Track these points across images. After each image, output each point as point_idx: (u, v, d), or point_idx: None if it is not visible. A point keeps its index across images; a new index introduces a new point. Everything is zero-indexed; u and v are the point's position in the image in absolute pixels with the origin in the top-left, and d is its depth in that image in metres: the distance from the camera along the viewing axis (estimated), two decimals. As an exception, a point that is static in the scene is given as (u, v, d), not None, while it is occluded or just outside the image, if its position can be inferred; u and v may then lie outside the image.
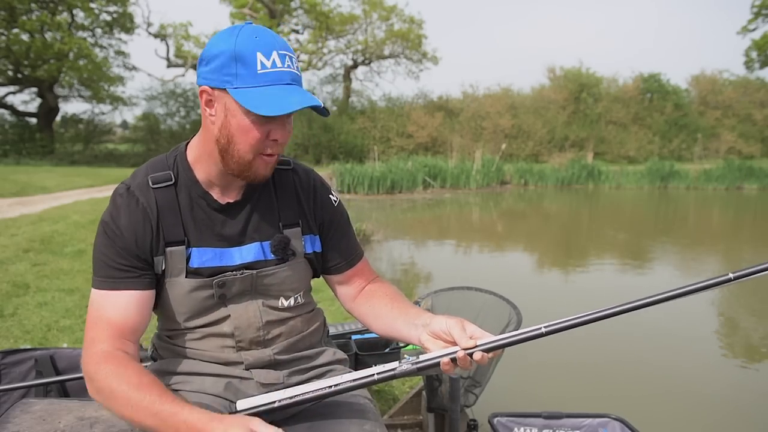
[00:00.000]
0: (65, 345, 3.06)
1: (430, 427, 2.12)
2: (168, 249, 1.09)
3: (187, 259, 1.10)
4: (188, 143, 1.17)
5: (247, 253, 1.15)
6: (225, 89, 1.02)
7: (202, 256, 1.11)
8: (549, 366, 3.70)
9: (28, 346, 1.77)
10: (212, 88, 1.04)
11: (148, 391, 0.97)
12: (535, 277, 7.00)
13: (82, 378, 1.61)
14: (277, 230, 1.18)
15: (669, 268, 7.57)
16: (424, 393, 2.22)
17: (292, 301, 1.20)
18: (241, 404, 1.07)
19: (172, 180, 1.12)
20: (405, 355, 1.01)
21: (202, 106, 1.08)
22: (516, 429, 1.98)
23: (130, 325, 1.07)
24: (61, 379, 1.61)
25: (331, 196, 1.28)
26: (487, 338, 1.00)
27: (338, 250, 1.27)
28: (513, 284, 5.87)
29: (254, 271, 1.14)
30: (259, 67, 1.01)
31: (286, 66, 1.03)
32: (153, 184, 1.10)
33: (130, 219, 1.08)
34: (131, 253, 1.07)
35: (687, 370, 3.82)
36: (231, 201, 1.15)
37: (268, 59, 1.01)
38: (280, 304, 1.18)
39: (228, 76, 1.01)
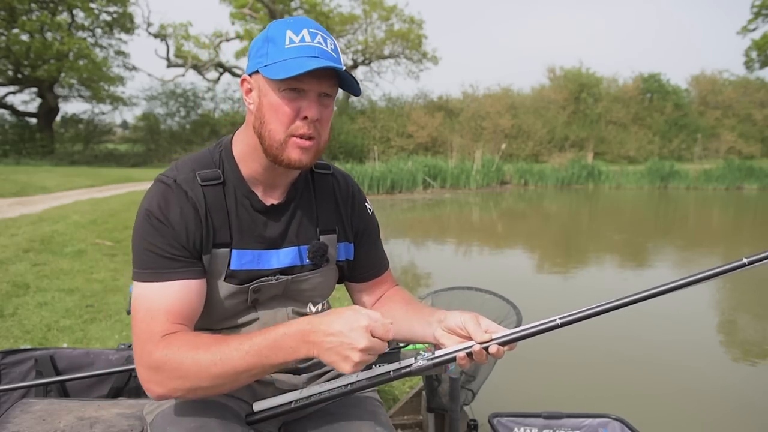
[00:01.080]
0: (65, 345, 3.06)
1: (430, 427, 2.12)
2: (214, 250, 1.07)
3: (228, 262, 1.08)
4: (232, 138, 1.15)
5: (285, 256, 1.13)
6: (258, 71, 1.03)
7: (242, 258, 1.09)
8: (549, 366, 3.70)
9: (28, 346, 1.77)
10: (250, 75, 1.06)
11: (228, 340, 0.94)
12: (535, 277, 7.00)
13: (82, 378, 1.61)
14: (314, 236, 1.16)
15: (669, 269, 7.57)
16: (424, 393, 2.22)
17: (320, 307, 1.20)
18: (258, 406, 1.06)
19: (220, 179, 1.09)
20: (420, 352, 1.01)
21: (244, 97, 1.09)
22: (516, 429, 1.98)
23: (188, 313, 1.02)
24: (61, 379, 1.61)
25: (366, 204, 1.27)
26: (502, 332, 1.00)
27: (368, 260, 1.26)
28: (513, 284, 5.87)
29: (289, 277, 1.13)
30: (287, 42, 1.00)
31: (315, 42, 1.01)
32: (202, 182, 1.07)
33: (182, 212, 1.03)
34: (182, 243, 1.03)
35: (687, 370, 3.82)
36: (274, 203, 1.13)
37: (297, 35, 1.01)
38: (308, 310, 1.18)
39: (260, 58, 1.02)
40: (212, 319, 1.11)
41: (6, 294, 4.01)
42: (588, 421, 1.97)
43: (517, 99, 26.98)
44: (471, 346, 0.98)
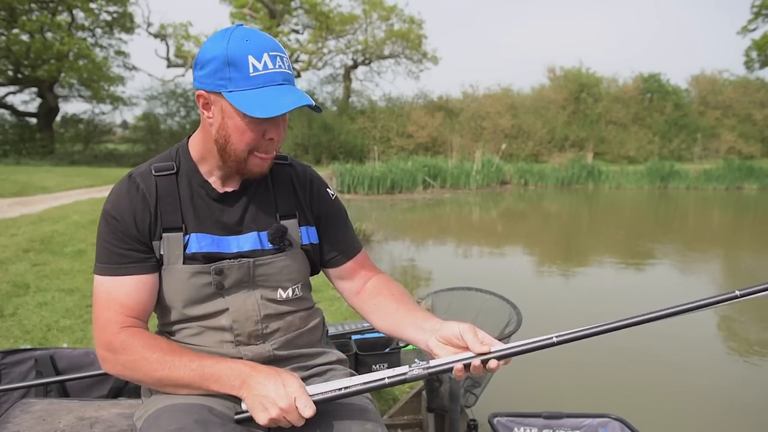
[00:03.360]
0: (65, 345, 3.06)
1: (430, 427, 2.12)
2: (165, 234, 1.12)
3: (185, 246, 1.13)
4: (189, 138, 1.21)
5: (244, 242, 1.17)
6: (220, 93, 1.06)
7: (201, 242, 1.14)
8: (549, 366, 3.70)
9: (28, 346, 1.77)
10: (208, 92, 1.08)
11: (183, 353, 1.06)
12: (535, 277, 7.00)
13: (82, 378, 1.61)
14: (274, 221, 1.20)
15: (668, 269, 7.57)
16: (424, 393, 2.22)
17: (290, 292, 1.21)
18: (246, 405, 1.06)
19: (173, 169, 1.16)
20: (416, 360, 1.02)
21: (200, 109, 1.12)
22: (516, 429, 1.97)
23: (141, 307, 1.12)
24: (61, 379, 1.60)
25: (327, 189, 1.31)
26: (498, 345, 1.01)
27: (335, 243, 1.29)
28: (513, 284, 5.87)
29: (251, 260, 1.16)
30: (251, 70, 1.04)
31: (277, 67, 1.06)
32: (155, 173, 1.15)
33: (129, 203, 1.12)
34: (132, 237, 1.11)
35: (687, 370, 3.82)
36: (229, 190, 1.18)
37: (260, 61, 1.05)
38: (278, 296, 1.19)
39: (222, 81, 1.05)
40: (180, 306, 1.14)
41: (6, 294, 4.01)
42: (588, 421, 1.96)
43: (517, 99, 26.94)
44: (469, 358, 1.00)
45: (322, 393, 1.02)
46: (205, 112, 1.11)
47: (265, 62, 1.05)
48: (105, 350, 1.09)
